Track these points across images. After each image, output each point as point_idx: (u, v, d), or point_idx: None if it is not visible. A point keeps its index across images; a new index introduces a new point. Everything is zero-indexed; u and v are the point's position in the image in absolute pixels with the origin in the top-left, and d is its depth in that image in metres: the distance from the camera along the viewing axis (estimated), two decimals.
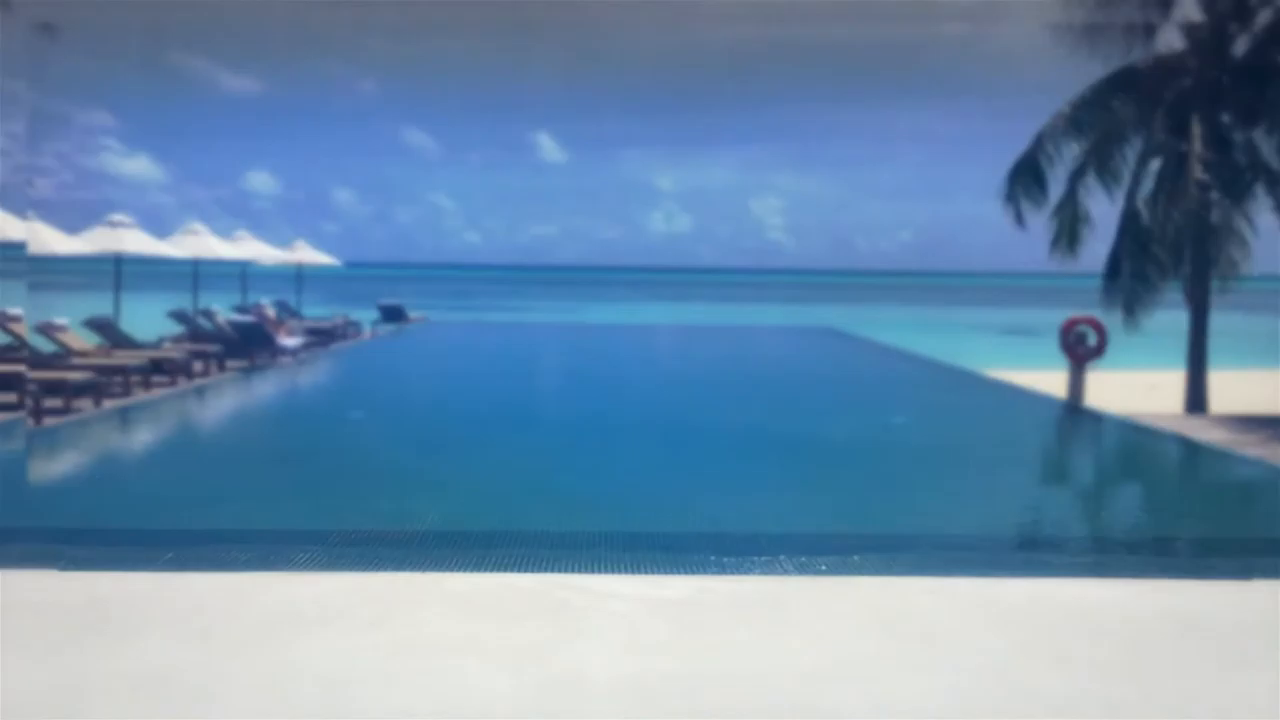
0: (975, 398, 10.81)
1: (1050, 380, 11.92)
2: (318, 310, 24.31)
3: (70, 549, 3.38)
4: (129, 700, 2.16)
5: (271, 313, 18.24)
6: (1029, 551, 4.42)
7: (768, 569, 3.19)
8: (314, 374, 13.40)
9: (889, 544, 3.97)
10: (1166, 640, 2.61)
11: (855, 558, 3.36)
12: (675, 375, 12.22)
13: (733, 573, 3.14)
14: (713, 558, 3.26)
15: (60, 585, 2.95)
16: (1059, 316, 13.07)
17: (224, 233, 19.56)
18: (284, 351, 15.57)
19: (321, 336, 18.44)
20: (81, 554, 3.31)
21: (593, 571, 3.15)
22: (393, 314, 22.96)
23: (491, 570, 3.19)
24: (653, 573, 3.16)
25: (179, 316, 16.94)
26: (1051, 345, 12.93)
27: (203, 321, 16.82)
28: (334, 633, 2.56)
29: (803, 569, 3.20)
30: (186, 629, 2.59)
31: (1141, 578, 3.21)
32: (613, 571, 3.16)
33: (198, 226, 18.45)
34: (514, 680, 2.27)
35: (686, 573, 3.12)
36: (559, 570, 3.16)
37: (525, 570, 3.19)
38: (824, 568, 3.24)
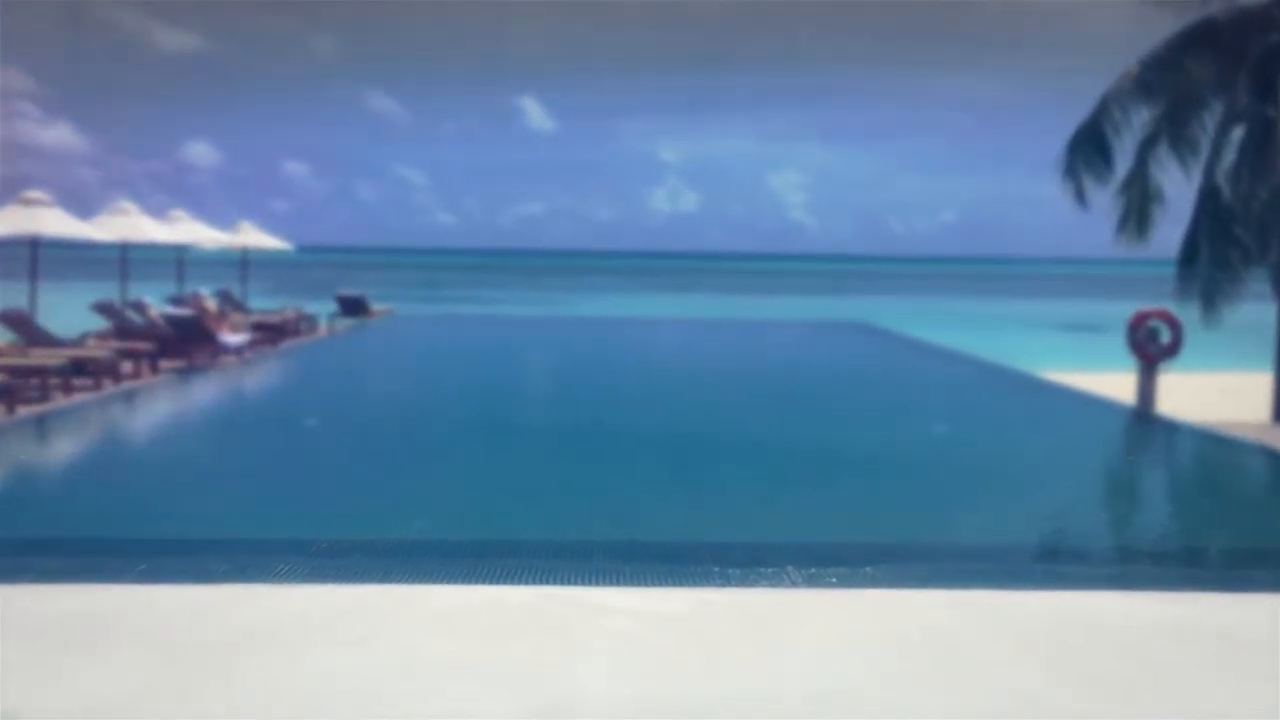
0: (1030, 404, 10.89)
1: (1117, 384, 11.97)
2: (266, 302, 24.40)
3: (38, 560, 3.51)
4: None
5: (212, 305, 18.31)
6: (1055, 564, 4.53)
7: (775, 581, 3.31)
8: (262, 376, 13.45)
9: (904, 554, 4.09)
10: (1192, 654, 2.71)
11: (868, 569, 3.48)
12: (677, 381, 12.29)
13: (737, 585, 3.26)
14: (716, 569, 3.39)
15: (27, 598, 3.04)
16: (1127, 309, 13.12)
17: (157, 212, 19.65)
18: (226, 350, 15.64)
19: (270, 333, 18.51)
20: (50, 565, 3.43)
21: (589, 584, 3.26)
22: (353, 306, 23.02)
23: (482, 582, 3.32)
24: (652, 585, 3.26)
25: (105, 309, 16.99)
26: (1118, 343, 12.98)
27: (132, 315, 16.88)
28: (314, 651, 2.66)
29: (812, 581, 3.33)
30: (158, 645, 2.69)
31: (1188, 591, 3.32)
32: (610, 584, 3.27)
33: (127, 205, 18.53)
34: (504, 703, 2.37)
35: (688, 585, 3.23)
36: (553, 583, 3.27)
37: (517, 583, 3.30)
38: (834, 580, 3.36)
